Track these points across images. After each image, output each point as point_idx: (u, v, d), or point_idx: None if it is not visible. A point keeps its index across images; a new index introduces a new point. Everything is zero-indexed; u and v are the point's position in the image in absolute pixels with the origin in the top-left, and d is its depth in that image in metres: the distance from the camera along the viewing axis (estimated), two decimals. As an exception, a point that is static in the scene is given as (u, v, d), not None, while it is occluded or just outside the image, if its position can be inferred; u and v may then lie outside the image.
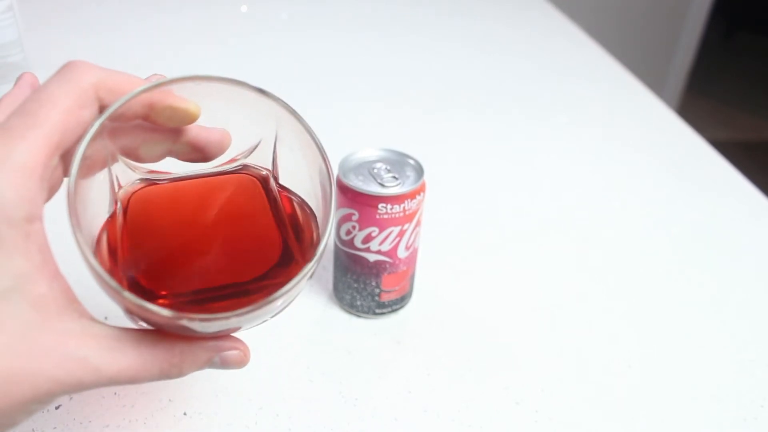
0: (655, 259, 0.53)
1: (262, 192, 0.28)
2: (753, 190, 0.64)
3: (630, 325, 0.46)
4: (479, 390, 0.40)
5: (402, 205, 0.39)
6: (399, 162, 0.41)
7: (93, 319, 0.22)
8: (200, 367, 0.25)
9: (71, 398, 0.37)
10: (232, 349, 0.25)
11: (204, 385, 0.39)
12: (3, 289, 0.20)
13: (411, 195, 0.39)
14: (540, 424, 0.38)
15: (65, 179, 0.22)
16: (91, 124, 0.22)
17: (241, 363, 0.26)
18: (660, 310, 0.48)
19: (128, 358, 0.22)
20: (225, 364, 0.25)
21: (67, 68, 0.22)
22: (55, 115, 0.21)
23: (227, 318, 0.22)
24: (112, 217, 0.25)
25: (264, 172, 0.28)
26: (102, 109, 0.23)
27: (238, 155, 0.28)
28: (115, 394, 0.38)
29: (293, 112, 0.25)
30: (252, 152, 0.28)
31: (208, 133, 0.26)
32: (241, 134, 0.27)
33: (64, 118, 0.21)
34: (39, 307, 0.20)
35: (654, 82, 2.13)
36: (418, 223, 0.41)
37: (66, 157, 0.23)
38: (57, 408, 0.37)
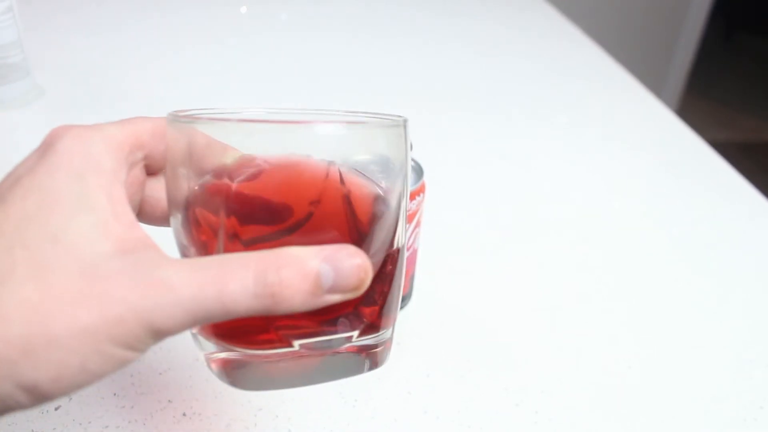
0: (655, 260, 0.53)
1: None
2: (753, 191, 0.64)
3: (630, 325, 0.46)
4: (479, 391, 0.40)
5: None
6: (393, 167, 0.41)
7: (169, 259, 0.20)
8: (308, 284, 0.19)
9: (70, 399, 0.37)
10: (344, 253, 0.20)
11: (204, 385, 0.39)
12: (84, 222, 0.20)
13: (411, 195, 0.39)
14: (540, 425, 0.38)
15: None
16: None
17: (362, 274, 0.20)
18: (660, 311, 0.48)
19: (211, 269, 0.19)
20: (340, 279, 0.20)
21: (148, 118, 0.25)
22: (148, 124, 0.24)
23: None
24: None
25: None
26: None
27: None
28: (115, 395, 0.38)
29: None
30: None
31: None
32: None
33: (154, 127, 0.24)
34: (117, 242, 0.20)
35: (654, 83, 2.13)
36: (417, 224, 0.41)
37: (148, 167, 0.24)
38: (56, 409, 0.37)
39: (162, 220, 0.26)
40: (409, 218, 0.40)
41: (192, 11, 1.03)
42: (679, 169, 0.68)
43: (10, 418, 0.36)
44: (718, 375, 0.43)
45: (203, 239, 0.23)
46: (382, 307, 0.23)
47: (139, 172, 0.24)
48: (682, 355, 0.44)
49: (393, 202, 0.24)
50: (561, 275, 0.51)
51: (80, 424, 0.36)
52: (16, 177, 0.21)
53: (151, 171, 0.25)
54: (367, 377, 0.40)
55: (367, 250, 0.21)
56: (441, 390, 0.40)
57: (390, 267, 0.24)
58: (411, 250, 0.42)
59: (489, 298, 0.48)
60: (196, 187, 0.23)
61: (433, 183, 0.43)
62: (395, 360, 0.42)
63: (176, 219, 0.23)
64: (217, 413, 0.37)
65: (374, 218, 0.23)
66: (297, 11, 1.06)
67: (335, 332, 0.23)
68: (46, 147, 0.21)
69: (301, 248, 0.20)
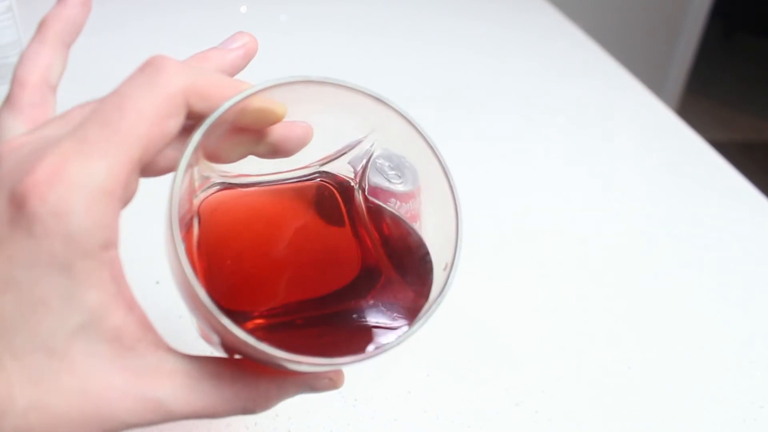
0: (655, 260, 0.53)
1: (341, 202, 0.25)
2: (753, 190, 0.64)
3: (630, 325, 0.46)
4: (479, 391, 0.40)
5: (407, 205, 0.39)
6: (399, 162, 0.41)
7: (169, 350, 0.21)
8: (282, 399, 0.22)
9: (71, 399, 0.37)
10: (323, 379, 0.23)
11: (204, 385, 0.39)
12: (76, 326, 0.18)
13: (411, 195, 0.39)
14: (540, 425, 0.38)
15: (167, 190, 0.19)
16: (190, 139, 0.19)
17: (333, 389, 0.23)
18: (660, 311, 0.48)
19: (205, 398, 0.20)
20: (314, 391, 0.23)
21: (152, 68, 0.19)
22: (141, 127, 0.18)
23: (340, 363, 0.20)
24: (189, 229, 0.22)
25: (348, 182, 0.26)
26: (190, 115, 0.20)
27: (319, 160, 0.26)
28: (115, 394, 0.38)
29: (406, 118, 0.22)
30: (338, 158, 0.25)
31: (290, 128, 0.23)
32: (328, 137, 0.24)
33: (148, 131, 0.19)
34: (113, 341, 0.19)
35: (654, 83, 2.13)
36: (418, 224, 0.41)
37: (143, 170, 0.20)
38: (57, 408, 0.37)
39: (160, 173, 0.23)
40: (411, 219, 0.40)
41: (192, 11, 1.03)
42: (679, 168, 0.68)
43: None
44: (718, 375, 0.43)
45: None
46: None
47: (135, 183, 0.20)
48: (682, 355, 0.44)
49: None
50: (561, 275, 0.51)
51: (80, 423, 0.36)
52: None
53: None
54: (368, 377, 0.40)
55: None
56: (441, 390, 0.40)
57: None
58: (411, 250, 0.42)
59: (489, 297, 0.48)
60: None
61: (433, 183, 0.43)
62: (395, 360, 0.42)
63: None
64: (217, 413, 0.37)
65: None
66: (297, 11, 1.06)
67: None
68: (18, 215, 0.17)
69: (288, 384, 0.22)
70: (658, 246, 0.55)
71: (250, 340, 0.18)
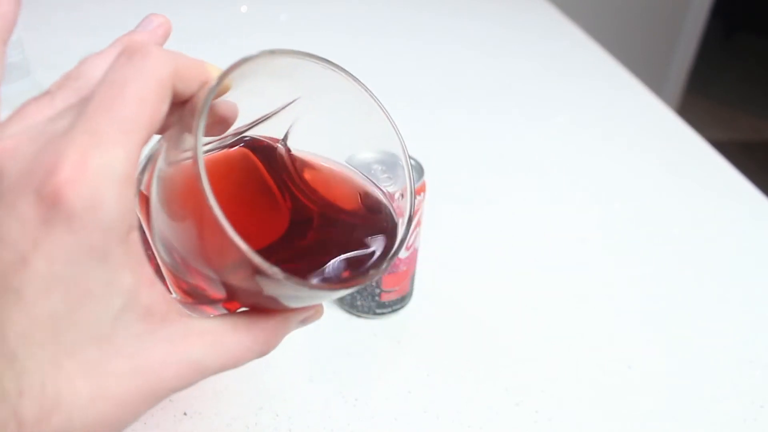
0: (655, 259, 0.53)
1: (258, 162, 0.27)
2: (753, 190, 0.64)
3: (630, 325, 0.46)
4: (479, 390, 0.40)
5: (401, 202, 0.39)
6: (393, 162, 0.41)
7: (190, 316, 0.22)
8: (287, 335, 0.25)
9: (71, 398, 0.37)
10: (315, 314, 0.26)
11: (204, 385, 0.39)
12: (116, 310, 0.19)
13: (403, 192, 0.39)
14: (540, 425, 0.38)
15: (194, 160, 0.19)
16: (197, 125, 0.20)
17: (317, 318, 0.26)
18: (660, 311, 0.48)
19: (231, 348, 0.22)
20: (305, 324, 0.26)
21: (139, 55, 0.20)
22: (145, 114, 0.19)
23: (353, 285, 0.22)
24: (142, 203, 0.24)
25: (270, 143, 0.27)
26: (175, 97, 0.21)
27: (246, 125, 0.27)
28: (115, 394, 0.38)
29: (332, 68, 0.24)
30: (263, 122, 0.27)
31: (228, 105, 0.25)
32: (262, 104, 0.26)
33: (151, 117, 0.19)
34: (147, 317, 0.20)
35: (654, 82, 2.13)
36: (418, 224, 0.41)
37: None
38: (57, 408, 0.37)
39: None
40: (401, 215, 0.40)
41: (192, 11, 1.03)
42: (679, 168, 0.68)
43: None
44: (718, 375, 0.43)
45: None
46: None
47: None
48: (682, 354, 0.44)
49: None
50: (561, 275, 0.51)
51: (81, 423, 0.36)
52: (19, 255, 0.17)
53: None
54: (368, 377, 0.40)
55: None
56: (441, 389, 0.40)
57: None
58: (411, 249, 0.42)
59: (489, 297, 0.48)
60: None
61: (433, 182, 0.44)
62: (395, 360, 0.42)
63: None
64: (217, 412, 0.37)
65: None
66: (297, 11, 1.06)
67: None
68: (52, 212, 0.17)
69: (292, 320, 0.24)
70: (658, 245, 0.55)
71: (273, 269, 0.20)
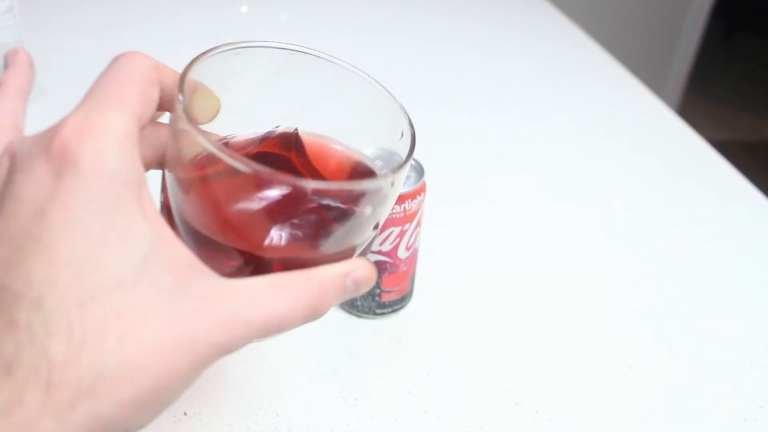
0: (655, 259, 0.53)
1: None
2: (753, 190, 0.64)
3: (630, 325, 0.46)
4: (479, 390, 0.40)
5: (402, 206, 0.39)
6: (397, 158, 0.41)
7: (221, 276, 0.21)
8: (338, 296, 0.24)
9: (71, 398, 0.37)
10: (361, 268, 0.24)
11: (204, 385, 0.39)
12: (139, 258, 0.19)
13: (411, 195, 0.39)
14: (540, 425, 0.38)
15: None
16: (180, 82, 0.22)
17: (371, 279, 0.25)
18: (660, 311, 0.48)
19: (272, 302, 0.21)
20: (359, 287, 0.24)
21: (125, 57, 0.23)
22: (136, 90, 0.21)
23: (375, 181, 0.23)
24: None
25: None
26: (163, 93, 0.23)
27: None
28: (116, 394, 0.38)
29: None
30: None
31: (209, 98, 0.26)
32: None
33: (142, 92, 0.22)
34: (174, 273, 0.20)
35: (654, 82, 2.13)
36: (418, 224, 0.41)
37: (143, 140, 0.23)
38: (57, 408, 0.37)
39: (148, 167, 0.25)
40: (410, 218, 0.40)
41: (192, 11, 1.03)
42: (679, 168, 0.68)
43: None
44: (718, 375, 0.43)
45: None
46: None
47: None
48: (682, 354, 0.44)
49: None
50: (561, 274, 0.51)
51: (81, 423, 0.36)
52: (36, 207, 0.19)
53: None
54: (368, 377, 0.40)
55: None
56: (441, 389, 0.40)
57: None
58: (411, 249, 0.42)
59: (489, 297, 0.48)
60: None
61: (433, 183, 0.44)
62: (395, 360, 0.42)
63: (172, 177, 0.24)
64: (218, 412, 0.37)
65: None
66: (297, 11, 1.06)
67: None
68: (62, 165, 0.19)
69: (333, 269, 0.23)
70: (658, 245, 0.55)
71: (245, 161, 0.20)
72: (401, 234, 0.40)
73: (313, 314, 0.23)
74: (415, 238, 0.42)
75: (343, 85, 0.27)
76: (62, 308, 0.18)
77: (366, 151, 0.38)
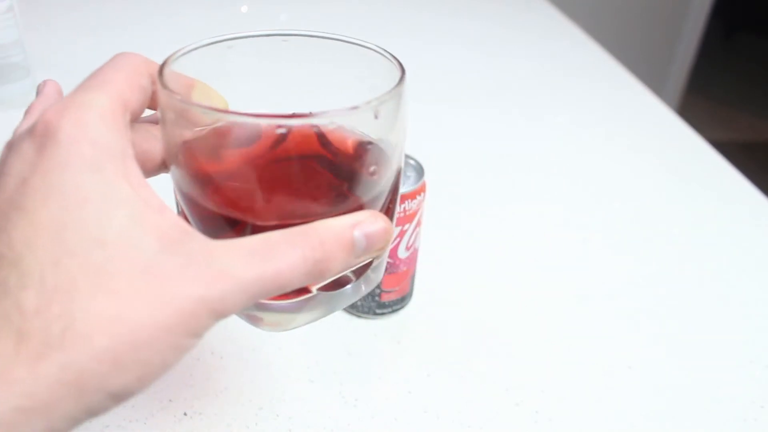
0: (655, 260, 0.53)
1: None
2: (753, 190, 0.64)
3: (630, 325, 0.46)
4: (479, 390, 0.40)
5: (402, 206, 0.39)
6: (404, 164, 0.41)
7: (212, 240, 0.21)
8: (347, 251, 0.22)
9: (71, 398, 0.37)
10: (370, 219, 0.22)
11: (204, 385, 0.39)
12: (122, 220, 0.19)
13: (411, 195, 0.39)
14: (540, 425, 0.38)
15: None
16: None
17: (387, 235, 0.23)
18: (660, 311, 0.48)
19: (268, 258, 0.20)
20: (371, 242, 0.22)
21: (117, 55, 0.24)
22: (122, 76, 0.22)
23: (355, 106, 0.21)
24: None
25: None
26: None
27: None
28: (116, 394, 0.38)
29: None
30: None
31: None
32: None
33: (128, 79, 0.22)
34: (159, 235, 0.20)
35: (654, 82, 2.13)
36: (418, 224, 0.41)
37: (133, 125, 0.23)
38: (57, 408, 0.37)
39: (152, 172, 0.25)
40: (410, 218, 0.40)
41: (192, 11, 1.03)
42: (679, 168, 0.68)
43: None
44: (718, 375, 0.43)
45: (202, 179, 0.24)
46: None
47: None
48: (682, 354, 0.44)
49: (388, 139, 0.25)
50: (561, 275, 0.51)
51: (81, 423, 0.36)
52: (20, 178, 0.19)
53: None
54: (368, 377, 0.40)
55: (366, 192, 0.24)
56: (441, 390, 0.40)
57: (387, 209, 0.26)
58: (411, 249, 0.42)
59: (489, 297, 0.48)
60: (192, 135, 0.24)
61: (433, 182, 0.44)
62: (395, 360, 0.42)
63: (176, 168, 0.24)
64: (218, 412, 0.37)
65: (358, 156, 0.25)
66: (297, 11, 1.06)
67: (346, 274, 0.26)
68: (44, 138, 0.19)
69: (335, 220, 0.22)
70: (658, 245, 0.55)
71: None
72: (401, 234, 0.40)
73: (318, 272, 0.21)
74: (415, 238, 0.42)
75: (328, 56, 0.27)
76: (38, 264, 0.18)
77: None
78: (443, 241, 0.53)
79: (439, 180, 0.51)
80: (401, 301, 0.45)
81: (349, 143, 0.25)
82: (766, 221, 0.60)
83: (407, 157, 0.42)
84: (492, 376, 0.41)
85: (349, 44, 0.26)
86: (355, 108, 0.21)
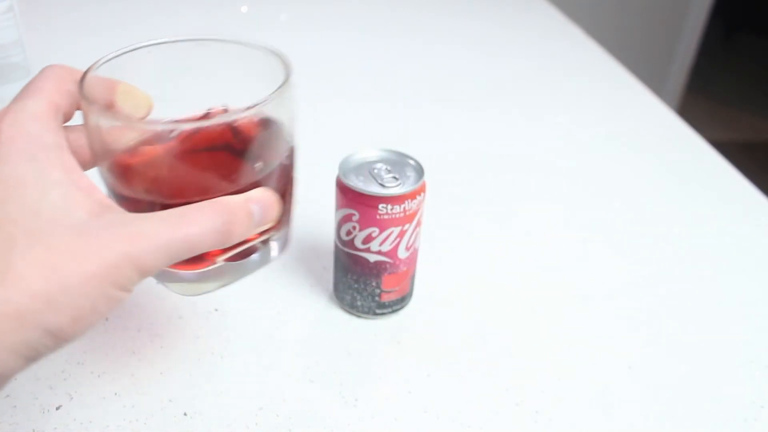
0: (655, 260, 0.53)
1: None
2: (753, 190, 0.64)
3: (630, 325, 0.46)
4: (479, 390, 0.40)
5: (402, 206, 0.39)
6: (399, 162, 0.41)
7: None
8: (247, 220, 0.26)
9: (71, 399, 0.37)
10: (259, 193, 0.27)
11: (205, 385, 0.39)
12: (54, 198, 0.23)
13: (411, 195, 0.39)
14: (540, 425, 0.38)
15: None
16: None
17: (276, 206, 0.28)
18: (660, 311, 0.48)
19: (181, 223, 0.24)
20: (265, 213, 0.27)
21: (44, 67, 0.28)
22: (49, 83, 0.27)
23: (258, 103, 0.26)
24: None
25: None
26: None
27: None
28: (116, 394, 0.38)
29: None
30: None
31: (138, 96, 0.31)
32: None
33: (57, 87, 0.27)
34: (88, 209, 0.24)
35: (654, 82, 2.13)
36: (418, 224, 0.41)
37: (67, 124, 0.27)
38: (57, 409, 0.37)
39: (87, 165, 0.29)
40: (410, 218, 0.40)
41: (192, 11, 1.03)
42: (679, 168, 0.68)
43: (11, 418, 0.36)
44: (718, 375, 0.43)
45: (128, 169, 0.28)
46: (282, 214, 0.30)
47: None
48: (682, 354, 0.44)
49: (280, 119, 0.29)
50: (561, 275, 0.51)
51: (81, 423, 0.36)
52: None
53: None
54: (368, 377, 0.40)
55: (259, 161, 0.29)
56: (441, 390, 0.40)
57: (284, 183, 0.31)
58: (411, 249, 0.42)
59: (489, 298, 0.48)
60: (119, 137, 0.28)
61: (433, 182, 0.44)
62: (395, 360, 0.42)
63: (104, 164, 0.28)
64: (217, 412, 0.37)
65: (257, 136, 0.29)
66: (297, 11, 1.06)
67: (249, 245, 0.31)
68: None
69: (235, 196, 0.27)
70: (658, 245, 0.55)
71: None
72: (401, 234, 0.40)
73: (224, 235, 0.25)
74: (415, 238, 0.42)
75: (233, 57, 0.32)
76: None
77: (371, 153, 0.41)
78: (443, 241, 0.53)
79: (439, 180, 0.51)
80: (401, 301, 0.45)
81: (246, 131, 0.29)
82: (766, 221, 0.60)
83: (407, 157, 0.42)
84: (492, 376, 0.41)
85: (249, 47, 0.31)
86: (249, 107, 0.26)
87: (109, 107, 0.28)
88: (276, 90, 0.28)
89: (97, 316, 0.23)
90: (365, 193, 0.38)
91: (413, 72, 0.87)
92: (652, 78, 2.15)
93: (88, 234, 0.23)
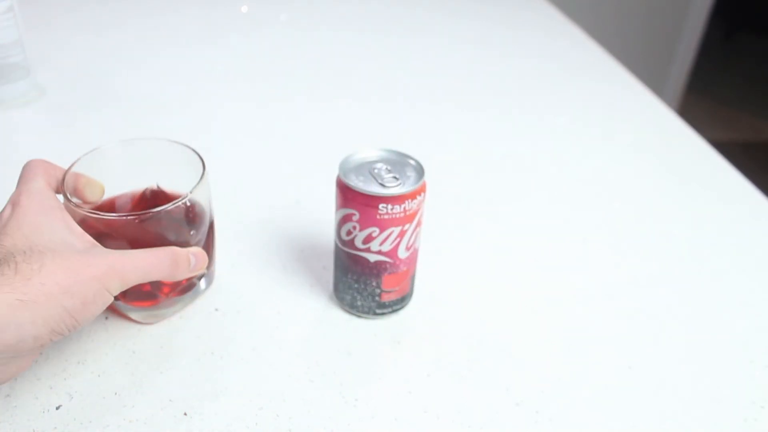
0: (655, 260, 0.54)
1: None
2: (753, 190, 0.64)
3: (630, 325, 0.46)
4: (479, 391, 0.40)
5: (402, 206, 0.39)
6: (399, 162, 0.41)
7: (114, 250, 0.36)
8: (186, 265, 0.39)
9: (71, 398, 0.37)
10: (196, 252, 0.40)
11: (204, 385, 0.39)
12: (62, 235, 0.36)
13: (411, 195, 0.39)
14: (540, 425, 0.38)
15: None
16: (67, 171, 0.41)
17: (202, 259, 0.41)
18: (660, 311, 0.48)
19: (147, 254, 0.37)
20: (197, 261, 0.40)
21: (27, 163, 0.40)
22: (41, 172, 0.39)
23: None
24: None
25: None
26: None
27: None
28: (116, 394, 0.38)
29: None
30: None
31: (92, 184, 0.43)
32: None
33: (45, 173, 0.39)
34: (82, 244, 0.36)
35: (654, 82, 2.13)
36: (418, 224, 0.41)
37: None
38: (57, 408, 0.37)
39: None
40: (410, 218, 0.40)
41: (192, 11, 1.03)
42: (679, 168, 0.68)
43: (10, 418, 0.36)
44: (718, 375, 0.43)
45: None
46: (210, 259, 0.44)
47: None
48: (682, 355, 0.44)
49: (199, 199, 0.41)
50: (561, 275, 0.51)
51: (81, 423, 0.36)
52: (3, 223, 0.35)
53: None
54: (368, 377, 0.41)
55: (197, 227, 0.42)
56: (441, 390, 0.40)
57: (209, 242, 0.44)
58: (412, 249, 0.42)
59: (489, 297, 0.48)
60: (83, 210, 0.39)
61: (433, 183, 0.44)
62: (395, 360, 0.42)
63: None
64: (217, 412, 0.37)
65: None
66: (297, 11, 1.06)
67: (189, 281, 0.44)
68: (14, 204, 0.36)
69: (180, 248, 0.39)
70: (658, 245, 0.55)
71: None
72: (401, 234, 0.40)
73: (172, 271, 0.38)
74: (415, 238, 0.42)
75: (168, 153, 0.44)
76: (19, 251, 0.33)
77: (371, 153, 0.43)
78: (443, 241, 0.53)
79: (439, 180, 0.51)
80: (401, 301, 0.45)
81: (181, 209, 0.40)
82: (766, 221, 0.60)
83: (407, 157, 0.42)
84: (492, 376, 0.41)
85: (175, 144, 0.43)
86: (176, 202, 0.39)
87: (77, 192, 0.40)
88: (197, 183, 0.40)
89: (97, 306, 0.34)
90: (365, 192, 0.38)
91: (413, 72, 0.87)
92: (652, 78, 2.15)
93: (87, 255, 0.34)
